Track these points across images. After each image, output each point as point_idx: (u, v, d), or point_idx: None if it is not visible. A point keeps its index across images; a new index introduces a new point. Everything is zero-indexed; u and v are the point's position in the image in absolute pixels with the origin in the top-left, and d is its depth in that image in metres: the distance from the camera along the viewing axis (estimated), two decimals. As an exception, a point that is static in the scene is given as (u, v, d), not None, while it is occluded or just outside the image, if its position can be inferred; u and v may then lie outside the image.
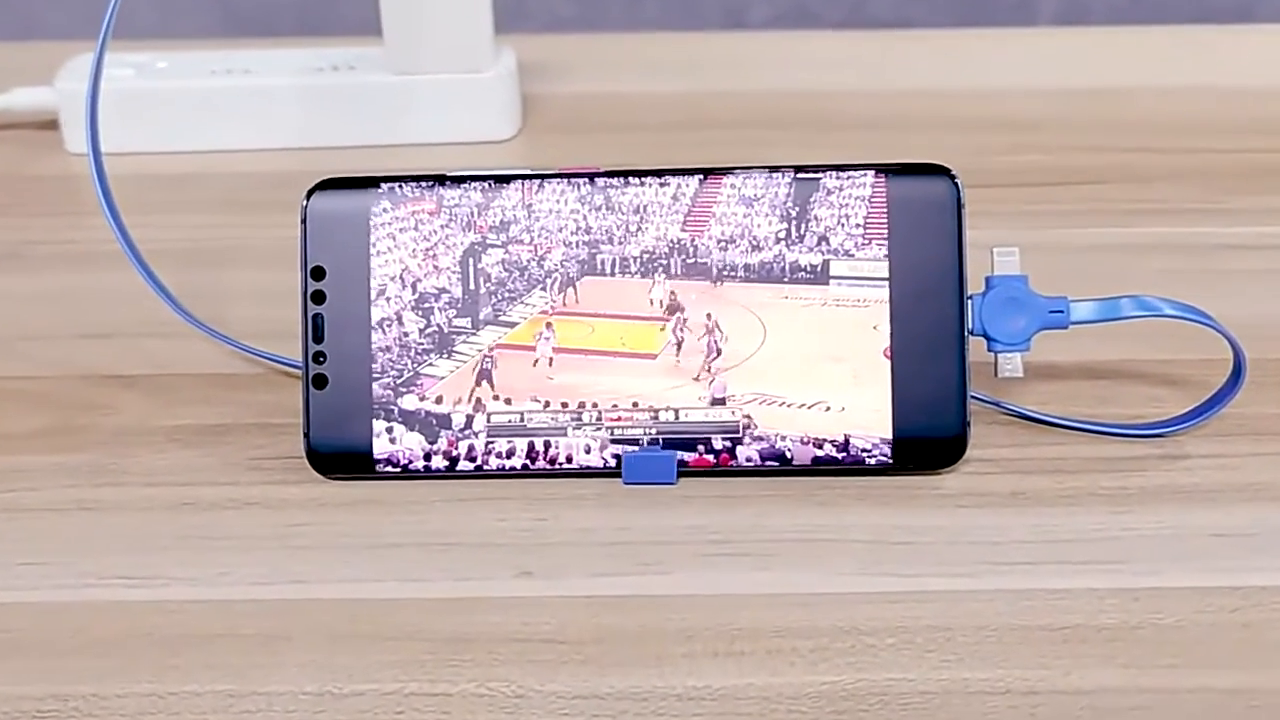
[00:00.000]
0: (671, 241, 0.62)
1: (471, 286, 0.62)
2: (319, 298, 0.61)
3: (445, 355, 0.62)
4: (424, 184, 0.62)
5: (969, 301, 0.60)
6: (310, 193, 0.62)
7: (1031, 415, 0.63)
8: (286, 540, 0.59)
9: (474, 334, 0.62)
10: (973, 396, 0.60)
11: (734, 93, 0.91)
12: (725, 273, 0.62)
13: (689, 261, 0.62)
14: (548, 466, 0.61)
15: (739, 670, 0.53)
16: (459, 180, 0.62)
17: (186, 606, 0.56)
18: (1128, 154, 0.84)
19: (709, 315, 0.62)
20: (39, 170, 0.85)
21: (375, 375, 0.61)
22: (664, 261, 0.62)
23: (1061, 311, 0.61)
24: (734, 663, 0.53)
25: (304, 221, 0.62)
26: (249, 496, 0.61)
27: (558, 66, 0.92)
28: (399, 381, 0.61)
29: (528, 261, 0.62)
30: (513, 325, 0.62)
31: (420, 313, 0.62)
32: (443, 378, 0.62)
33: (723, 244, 0.62)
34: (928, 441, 0.60)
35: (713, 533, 0.58)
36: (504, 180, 0.62)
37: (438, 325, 0.62)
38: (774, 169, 0.61)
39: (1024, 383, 0.63)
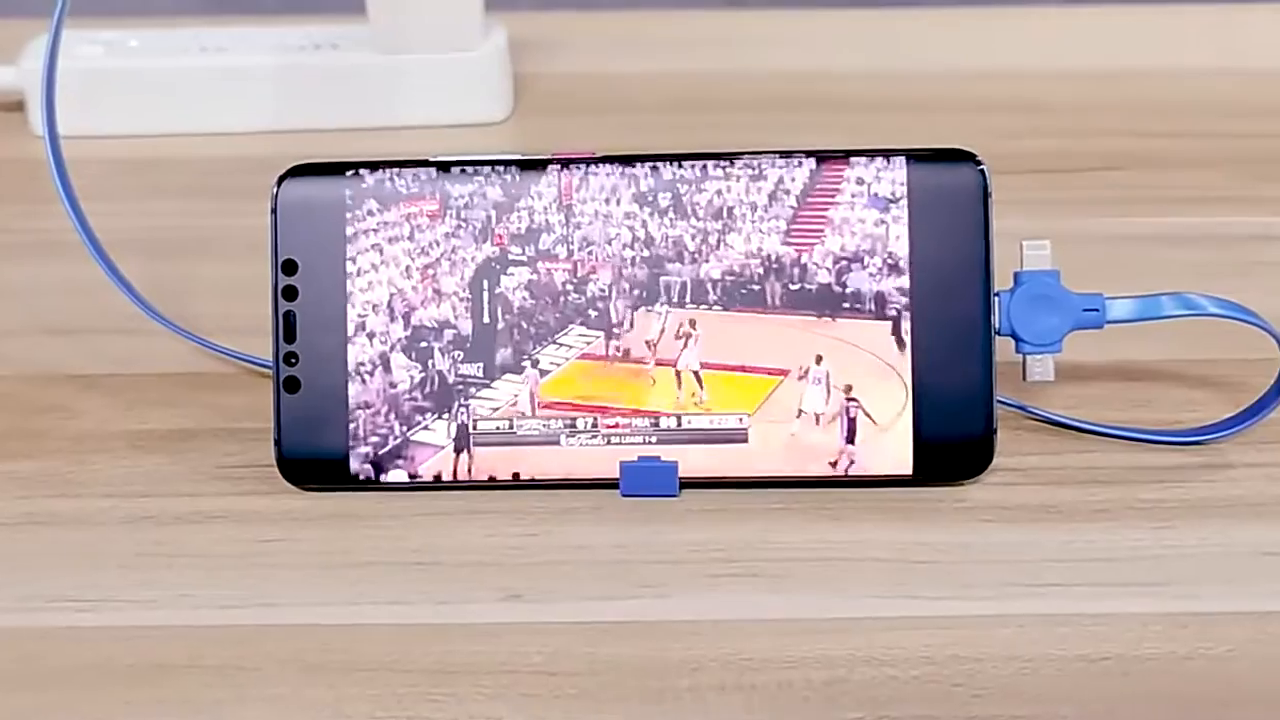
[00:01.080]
0: (769, 258, 0.56)
1: (486, 320, 0.57)
2: (291, 294, 0.57)
3: (444, 415, 0.56)
4: (407, 170, 0.57)
5: (996, 299, 0.56)
6: (281, 179, 0.57)
7: (1061, 420, 0.59)
8: (254, 558, 0.54)
9: (487, 386, 0.57)
10: (998, 401, 0.56)
11: (736, 74, 0.87)
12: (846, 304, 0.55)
13: (794, 288, 0.56)
14: (539, 477, 0.56)
15: (747, 705, 0.48)
16: (444, 166, 0.57)
17: (143, 633, 0.51)
18: (1151, 139, 0.80)
19: (818, 357, 0.55)
20: (2, 154, 0.80)
21: (352, 442, 0.56)
22: (756, 287, 0.56)
23: (1097, 310, 0.56)
24: (742, 697, 0.49)
25: (274, 211, 0.57)
26: (215, 509, 0.56)
27: (551, 45, 0.88)
28: (381, 452, 0.56)
29: (563, 285, 0.57)
30: (543, 374, 0.56)
31: (414, 355, 0.56)
32: (440, 447, 0.56)
33: (842, 262, 0.55)
34: (951, 450, 0.56)
35: (718, 550, 0.54)
36: (499, 166, 0.57)
37: (437, 373, 0.56)
38: (786, 153, 0.57)
39: (1051, 384, 0.58)
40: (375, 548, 0.54)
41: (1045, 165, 0.78)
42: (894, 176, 0.56)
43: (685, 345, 0.56)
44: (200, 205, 0.76)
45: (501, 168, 0.57)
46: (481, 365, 0.56)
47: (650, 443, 0.56)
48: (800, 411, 0.55)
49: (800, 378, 0.55)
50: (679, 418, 0.56)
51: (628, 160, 0.56)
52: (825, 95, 0.85)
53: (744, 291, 0.56)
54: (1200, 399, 0.60)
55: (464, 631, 0.51)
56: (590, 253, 0.55)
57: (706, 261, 0.55)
